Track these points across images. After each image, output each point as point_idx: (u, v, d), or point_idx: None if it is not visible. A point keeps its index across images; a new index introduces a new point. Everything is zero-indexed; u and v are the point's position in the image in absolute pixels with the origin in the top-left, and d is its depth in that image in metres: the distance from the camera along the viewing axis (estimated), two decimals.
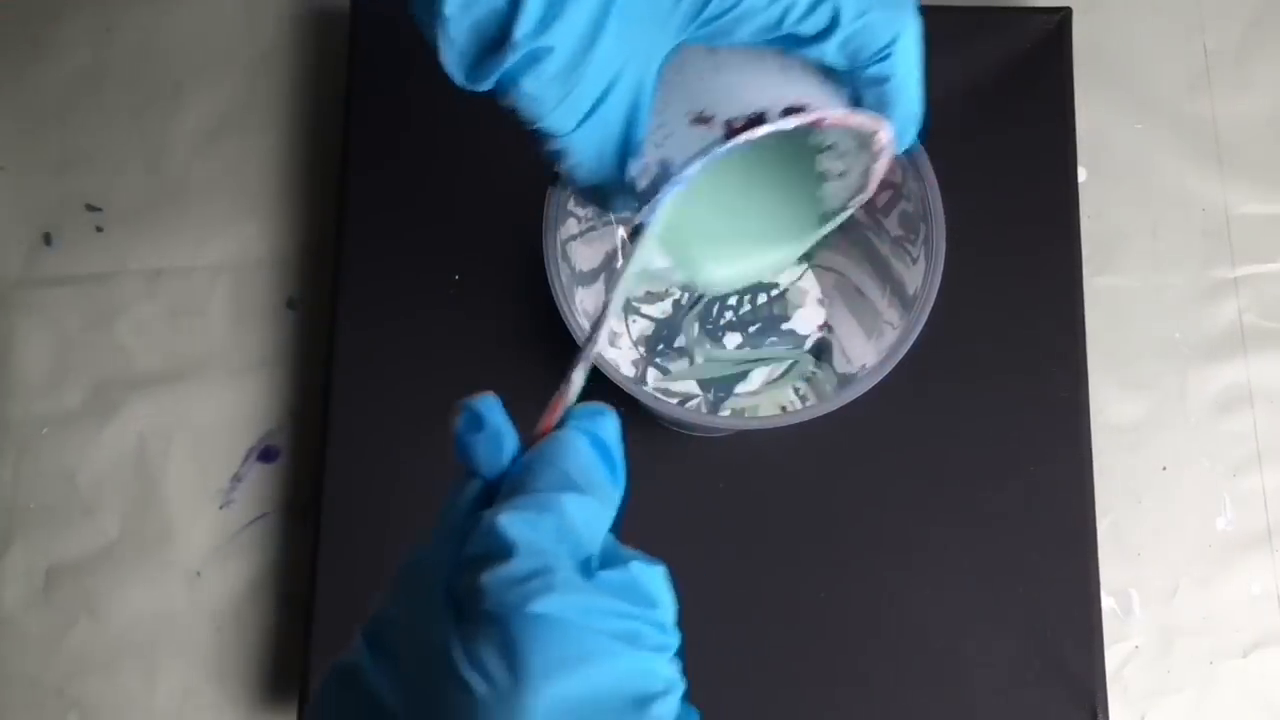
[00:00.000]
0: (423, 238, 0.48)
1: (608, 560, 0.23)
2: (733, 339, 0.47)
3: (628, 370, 0.47)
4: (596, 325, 0.26)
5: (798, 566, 0.46)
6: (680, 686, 0.23)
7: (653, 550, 0.24)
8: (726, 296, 0.48)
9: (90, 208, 0.50)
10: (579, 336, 0.36)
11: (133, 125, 0.51)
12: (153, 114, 0.51)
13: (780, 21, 0.27)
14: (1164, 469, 0.49)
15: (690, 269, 0.34)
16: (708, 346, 0.47)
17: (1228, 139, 0.51)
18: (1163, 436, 0.49)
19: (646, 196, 0.27)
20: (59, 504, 0.48)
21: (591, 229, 0.41)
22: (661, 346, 0.47)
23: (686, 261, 0.34)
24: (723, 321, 0.47)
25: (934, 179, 0.37)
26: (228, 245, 0.50)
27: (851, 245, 0.43)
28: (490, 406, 0.24)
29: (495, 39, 0.25)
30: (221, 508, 0.48)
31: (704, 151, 0.27)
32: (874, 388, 0.36)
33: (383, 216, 0.48)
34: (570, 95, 0.26)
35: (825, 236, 0.34)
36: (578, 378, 0.26)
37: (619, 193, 0.29)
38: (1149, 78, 0.52)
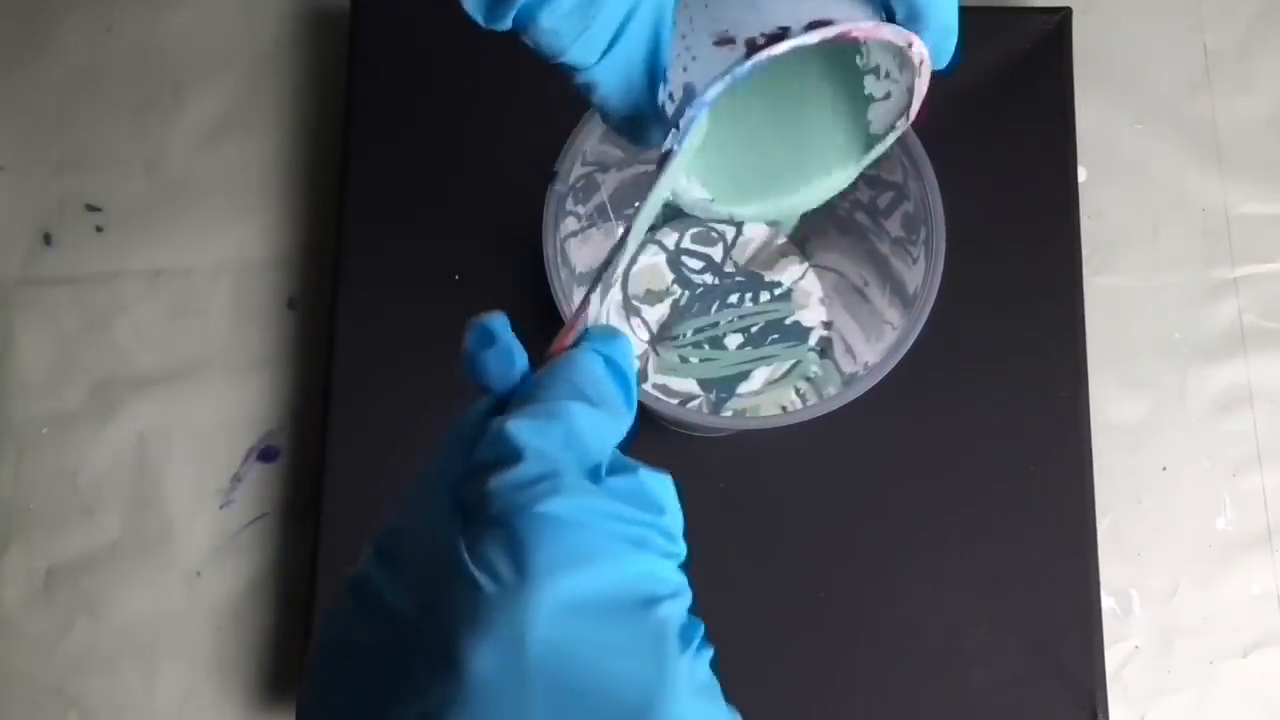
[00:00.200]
0: (423, 238, 0.48)
1: (615, 470, 0.23)
2: (734, 339, 0.47)
3: None
4: (617, 248, 0.26)
5: (798, 566, 0.46)
6: (688, 594, 0.23)
7: None
8: (728, 297, 0.48)
9: (90, 208, 0.50)
10: None
11: (132, 125, 0.51)
12: (152, 114, 0.51)
13: None
14: (1164, 469, 0.49)
15: (733, 200, 0.33)
16: (707, 348, 0.47)
17: (1228, 139, 0.51)
18: (1163, 436, 0.49)
19: (674, 122, 0.27)
20: (59, 504, 0.48)
21: (591, 228, 0.41)
22: (662, 347, 0.47)
23: (730, 193, 0.33)
24: (724, 321, 0.47)
25: (934, 179, 0.37)
26: (228, 245, 0.50)
27: (852, 245, 0.43)
28: (501, 324, 0.24)
29: None
30: (221, 508, 0.48)
31: (726, 72, 0.26)
32: (874, 388, 0.36)
33: (383, 216, 0.48)
34: (590, 27, 0.26)
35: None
36: (595, 301, 0.25)
37: (654, 122, 0.29)
38: (1149, 78, 0.52)
